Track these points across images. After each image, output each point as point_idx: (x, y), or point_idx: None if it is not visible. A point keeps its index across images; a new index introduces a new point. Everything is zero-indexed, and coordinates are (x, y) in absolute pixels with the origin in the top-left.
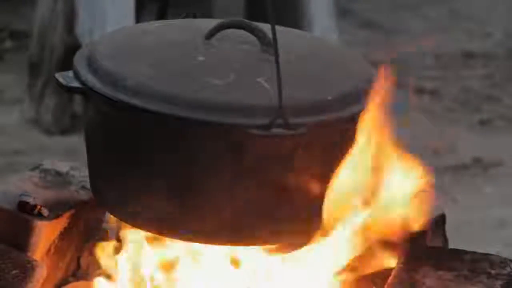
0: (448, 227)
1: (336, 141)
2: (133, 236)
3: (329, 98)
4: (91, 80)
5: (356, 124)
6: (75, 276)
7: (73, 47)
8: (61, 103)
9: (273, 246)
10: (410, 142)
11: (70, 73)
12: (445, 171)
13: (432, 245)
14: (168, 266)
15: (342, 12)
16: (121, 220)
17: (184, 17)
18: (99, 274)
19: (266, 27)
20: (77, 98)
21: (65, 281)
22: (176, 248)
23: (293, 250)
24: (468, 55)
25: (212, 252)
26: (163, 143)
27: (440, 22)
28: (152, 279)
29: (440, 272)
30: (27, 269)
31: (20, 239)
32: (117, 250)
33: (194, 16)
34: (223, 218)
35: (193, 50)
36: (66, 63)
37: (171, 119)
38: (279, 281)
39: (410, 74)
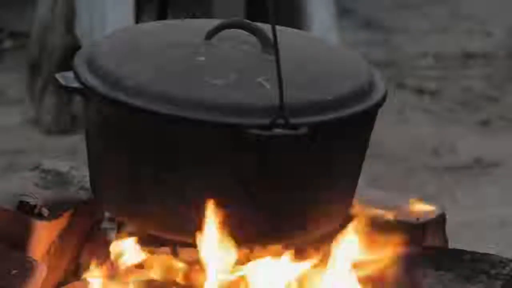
0: (448, 227)
1: (336, 140)
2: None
3: (330, 98)
4: (91, 80)
5: (356, 124)
6: (75, 276)
7: (73, 47)
8: (61, 103)
9: (273, 247)
10: (410, 142)
11: (71, 74)
12: (445, 171)
13: (432, 245)
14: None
15: (342, 12)
16: (121, 220)
17: (184, 18)
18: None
19: (266, 27)
20: (77, 98)
21: (65, 281)
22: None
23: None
24: (468, 55)
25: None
26: (163, 143)
27: (440, 22)
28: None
29: (440, 272)
30: (27, 269)
31: (20, 239)
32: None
33: (194, 16)
34: (223, 218)
35: (194, 50)
36: (66, 63)
37: (171, 119)
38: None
39: (410, 74)
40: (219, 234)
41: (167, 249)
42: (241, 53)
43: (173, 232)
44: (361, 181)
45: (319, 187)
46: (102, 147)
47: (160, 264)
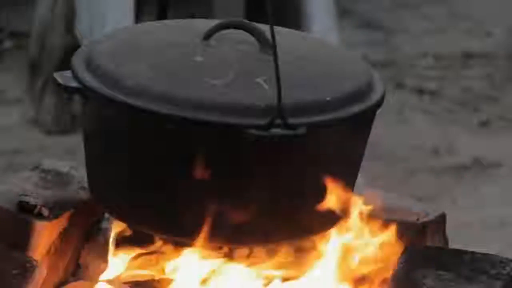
0: (448, 227)
1: (334, 141)
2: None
3: (328, 98)
4: (90, 80)
5: (354, 125)
6: (75, 276)
7: (73, 47)
8: (61, 103)
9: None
10: (410, 142)
11: (69, 73)
12: (445, 171)
13: (432, 245)
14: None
15: (342, 12)
16: (120, 220)
17: (183, 18)
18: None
19: (265, 28)
20: (77, 98)
21: (65, 281)
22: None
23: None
24: (468, 55)
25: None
26: (161, 143)
27: (440, 22)
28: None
29: (440, 272)
30: (27, 269)
31: (20, 239)
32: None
33: (193, 16)
34: (223, 218)
35: (192, 50)
36: (66, 63)
37: (170, 119)
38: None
39: (410, 74)
40: (217, 234)
41: (166, 249)
42: (240, 53)
43: (172, 232)
44: (361, 181)
45: (317, 187)
46: (101, 147)
47: (157, 263)
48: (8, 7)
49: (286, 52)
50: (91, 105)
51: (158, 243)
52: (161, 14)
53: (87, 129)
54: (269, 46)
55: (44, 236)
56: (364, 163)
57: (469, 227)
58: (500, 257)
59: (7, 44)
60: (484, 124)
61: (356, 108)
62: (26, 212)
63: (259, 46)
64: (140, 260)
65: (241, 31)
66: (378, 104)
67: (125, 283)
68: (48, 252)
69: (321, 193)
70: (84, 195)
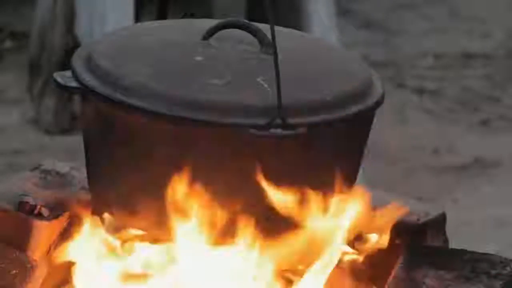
0: (448, 227)
1: (334, 141)
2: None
3: (328, 98)
4: (89, 79)
5: (354, 125)
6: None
7: (73, 47)
8: (61, 103)
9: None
10: (410, 142)
11: (68, 73)
12: (445, 171)
13: (432, 245)
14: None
15: (342, 12)
16: (120, 221)
17: (182, 17)
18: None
19: (265, 27)
20: (77, 98)
21: (65, 281)
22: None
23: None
24: (468, 55)
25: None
26: (161, 143)
27: (440, 22)
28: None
29: (440, 272)
30: (27, 269)
31: (20, 239)
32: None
33: (192, 16)
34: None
35: (192, 50)
36: (66, 63)
37: (169, 119)
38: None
39: (410, 74)
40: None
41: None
42: (240, 53)
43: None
44: (361, 181)
45: (317, 187)
46: (100, 147)
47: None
48: (8, 7)
49: (286, 52)
50: (90, 105)
51: None
52: (161, 14)
53: (86, 129)
54: (269, 46)
55: (44, 236)
56: (364, 163)
57: (469, 226)
58: (500, 257)
59: (7, 44)
60: (484, 124)
61: (356, 108)
62: (26, 212)
63: (259, 46)
64: None
65: (241, 30)
66: (378, 104)
67: None
68: (48, 252)
69: (320, 193)
70: (84, 195)
